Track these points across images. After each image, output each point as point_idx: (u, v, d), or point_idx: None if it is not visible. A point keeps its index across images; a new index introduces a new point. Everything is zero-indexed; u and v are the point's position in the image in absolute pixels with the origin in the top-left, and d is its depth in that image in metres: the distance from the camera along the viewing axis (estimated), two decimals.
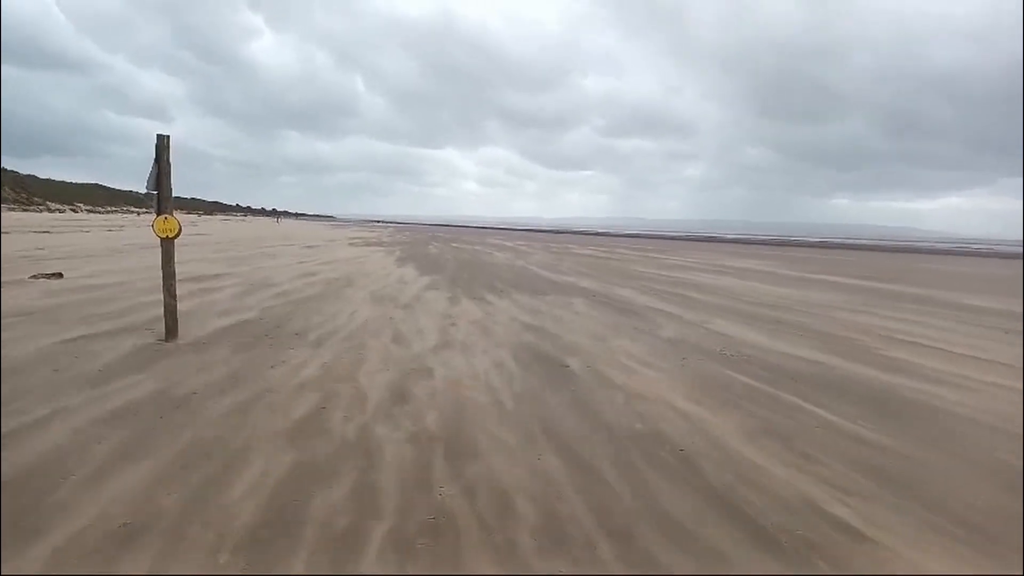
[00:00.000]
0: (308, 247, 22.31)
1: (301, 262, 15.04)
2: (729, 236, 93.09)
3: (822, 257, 31.01)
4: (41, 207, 67.97)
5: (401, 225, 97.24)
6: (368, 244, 27.18)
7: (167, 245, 5.80)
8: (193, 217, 73.76)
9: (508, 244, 32.98)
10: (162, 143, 5.53)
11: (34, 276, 9.56)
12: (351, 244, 26.06)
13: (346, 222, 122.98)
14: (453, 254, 21.59)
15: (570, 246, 34.07)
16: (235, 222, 66.60)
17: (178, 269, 5.98)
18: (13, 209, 58.02)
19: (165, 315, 5.77)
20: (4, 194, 66.68)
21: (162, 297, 5.82)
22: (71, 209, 72.89)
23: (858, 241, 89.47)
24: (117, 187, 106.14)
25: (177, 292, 5.90)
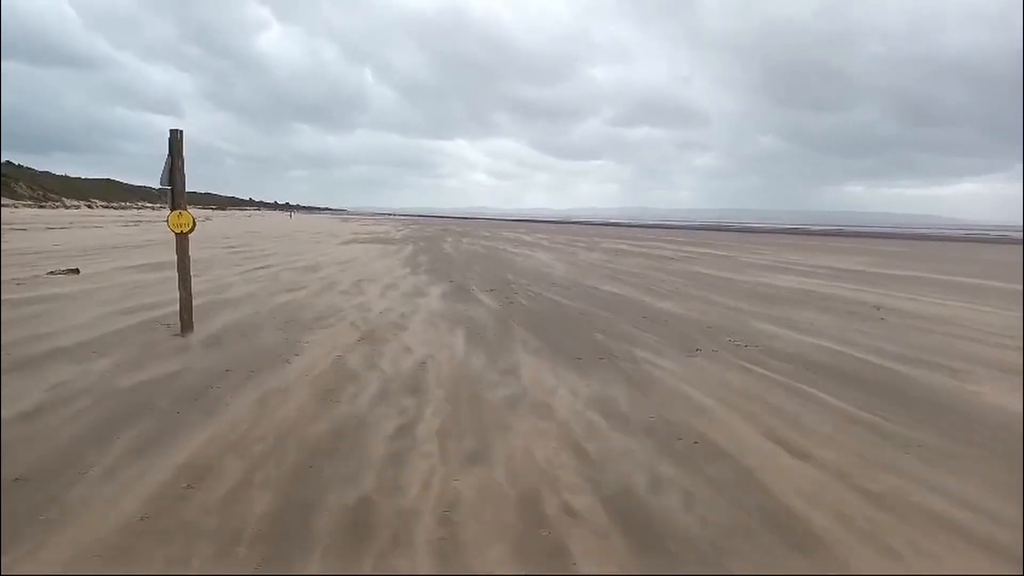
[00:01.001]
0: (294, 244, 20.27)
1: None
2: (758, 226, 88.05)
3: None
4: (57, 203, 68.86)
5: (412, 218, 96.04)
6: (375, 240, 24.08)
7: (182, 240, 5.80)
8: (208, 212, 74.23)
9: (529, 239, 28.36)
10: (175, 138, 5.52)
11: (51, 272, 9.65)
12: (354, 240, 24.95)
13: (357, 216, 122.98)
14: (472, 252, 18.01)
15: (599, 240, 29.24)
16: (237, 217, 64.66)
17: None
18: (29, 206, 58.85)
19: (180, 310, 5.78)
20: (20, 191, 67.62)
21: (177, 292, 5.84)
22: (86, 205, 73.78)
23: (898, 229, 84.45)
24: (130, 183, 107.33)
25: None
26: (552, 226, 62.88)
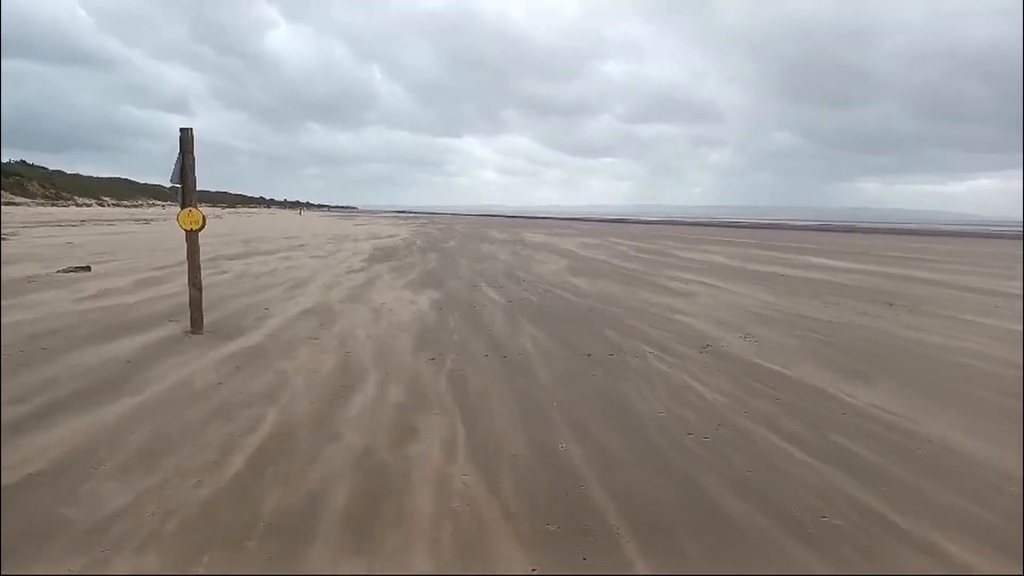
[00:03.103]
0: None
1: None
2: (798, 223, 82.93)
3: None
4: (69, 202, 69.41)
5: (422, 216, 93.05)
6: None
7: (192, 238, 5.83)
8: (217, 210, 74.71)
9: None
10: (186, 136, 5.53)
11: (62, 270, 9.72)
12: (358, 249, 22.40)
13: (364, 213, 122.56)
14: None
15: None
16: (234, 215, 63.40)
17: None
18: (42, 204, 59.41)
19: (191, 307, 5.80)
20: (33, 189, 68.26)
21: (188, 289, 5.86)
22: (98, 203, 74.32)
23: (938, 227, 79.60)
24: (141, 181, 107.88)
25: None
26: (581, 224, 54.91)
